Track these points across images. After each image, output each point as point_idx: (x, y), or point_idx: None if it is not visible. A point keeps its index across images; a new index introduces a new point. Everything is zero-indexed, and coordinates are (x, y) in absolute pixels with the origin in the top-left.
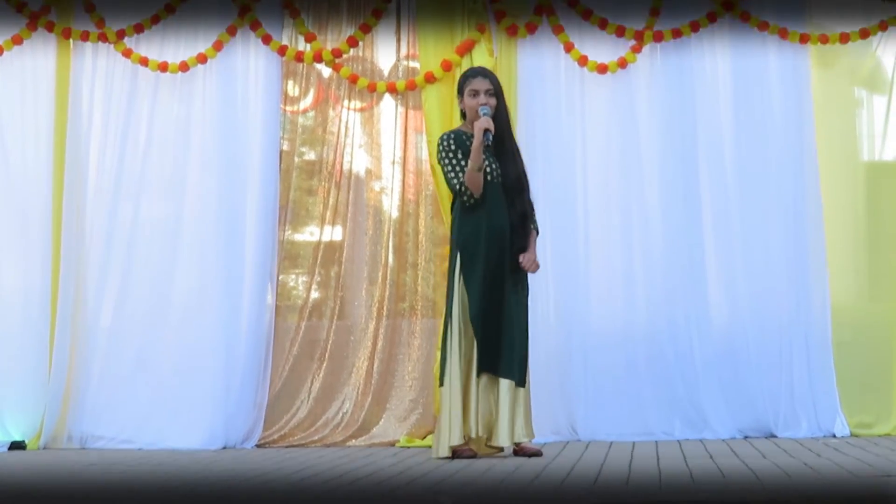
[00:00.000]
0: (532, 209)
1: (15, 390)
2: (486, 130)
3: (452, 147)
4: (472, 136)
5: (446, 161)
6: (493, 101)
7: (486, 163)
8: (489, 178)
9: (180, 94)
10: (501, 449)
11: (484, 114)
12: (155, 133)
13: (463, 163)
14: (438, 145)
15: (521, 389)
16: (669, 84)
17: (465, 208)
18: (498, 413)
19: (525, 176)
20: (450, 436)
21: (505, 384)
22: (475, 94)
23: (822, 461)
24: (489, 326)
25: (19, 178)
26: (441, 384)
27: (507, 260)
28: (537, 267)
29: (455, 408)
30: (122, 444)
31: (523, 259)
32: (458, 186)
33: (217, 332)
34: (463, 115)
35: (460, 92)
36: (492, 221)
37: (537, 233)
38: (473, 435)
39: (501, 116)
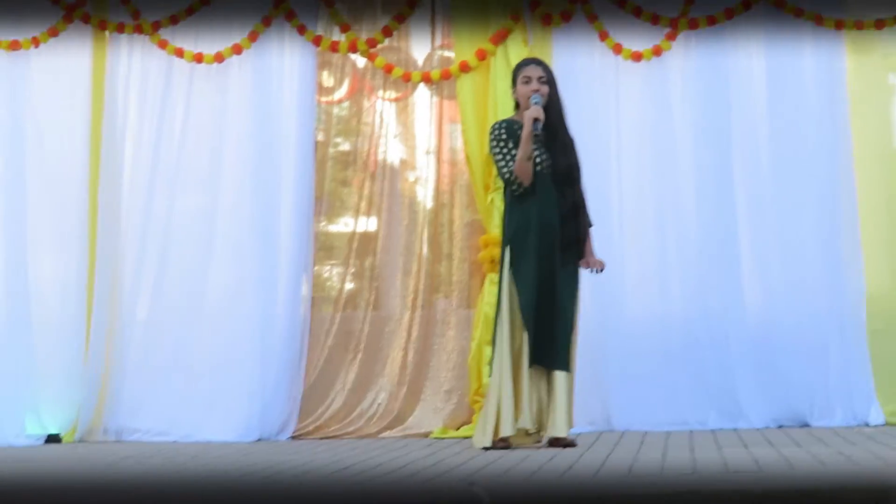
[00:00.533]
0: (583, 201)
1: (51, 384)
2: (536, 120)
3: (504, 136)
4: (523, 125)
5: (497, 150)
6: (545, 89)
7: (537, 153)
8: (539, 168)
9: (215, 85)
10: (539, 440)
11: (535, 102)
12: (190, 124)
13: (514, 151)
14: (490, 134)
15: (569, 377)
16: (704, 72)
17: (515, 199)
18: (554, 404)
19: (577, 167)
20: (499, 427)
21: (559, 376)
22: (528, 80)
23: (857, 450)
24: (541, 318)
25: (55, 171)
26: (490, 374)
27: (558, 251)
28: (602, 265)
29: (506, 400)
30: (158, 437)
31: (589, 263)
32: (507, 175)
33: (252, 324)
34: (517, 105)
35: (514, 81)
36: (542, 213)
37: (591, 225)
38: (530, 426)
39: (554, 106)
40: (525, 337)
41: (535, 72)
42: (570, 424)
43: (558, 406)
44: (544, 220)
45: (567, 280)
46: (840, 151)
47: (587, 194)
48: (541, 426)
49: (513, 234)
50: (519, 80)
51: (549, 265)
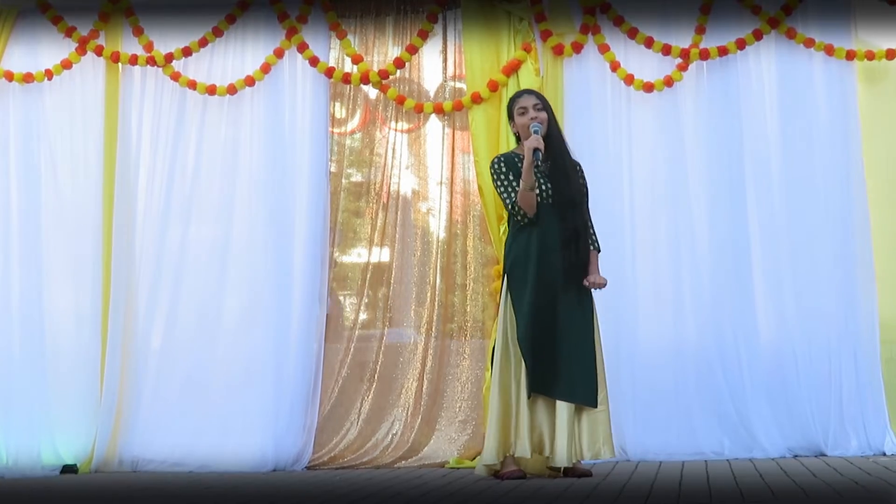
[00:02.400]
0: (585, 226)
1: (66, 414)
2: (536, 150)
3: (503, 169)
4: (524, 156)
5: (498, 183)
6: (542, 115)
7: (539, 182)
8: (540, 198)
9: (228, 116)
10: (559, 470)
11: (535, 131)
12: (203, 155)
13: (515, 183)
14: (490, 169)
15: (592, 409)
16: (716, 101)
17: (517, 229)
18: (556, 434)
19: (581, 193)
20: (484, 455)
21: (563, 406)
22: (524, 111)
23: (873, 480)
24: (540, 347)
25: (69, 201)
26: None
27: (560, 277)
28: (603, 282)
29: (492, 427)
30: (173, 468)
31: (589, 281)
32: (511, 206)
33: (266, 355)
34: (517, 138)
35: (510, 116)
36: (542, 242)
37: (598, 250)
38: (527, 455)
39: (553, 133)
40: (523, 366)
41: (529, 101)
42: (610, 452)
43: (558, 435)
44: (545, 247)
45: (574, 307)
46: (852, 179)
47: (595, 218)
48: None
49: (511, 264)
50: (515, 112)
51: (550, 293)
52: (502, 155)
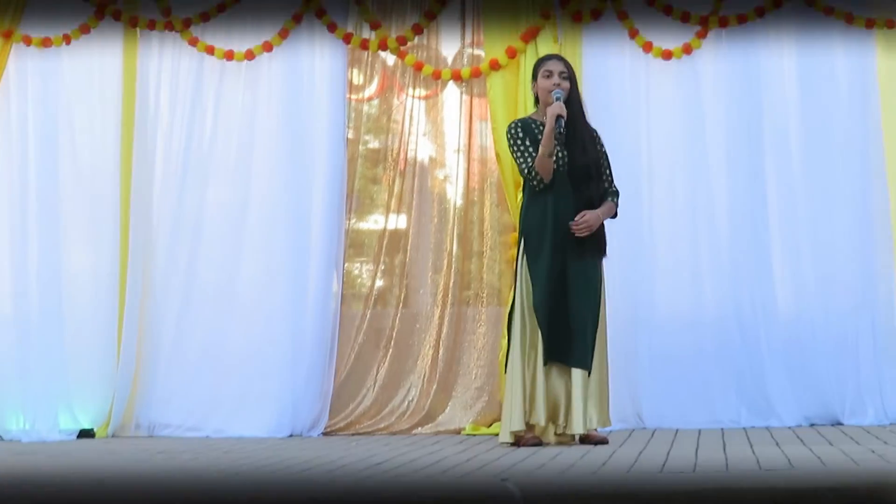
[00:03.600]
0: (600, 197)
1: (84, 378)
2: (559, 117)
3: (520, 135)
4: (542, 123)
5: (514, 148)
6: (565, 84)
7: (557, 150)
8: (556, 166)
9: (246, 82)
10: (572, 437)
11: (557, 98)
12: (220, 121)
13: (531, 149)
14: (507, 133)
15: (592, 377)
16: (735, 70)
17: (532, 196)
18: (572, 402)
19: (599, 163)
20: (510, 422)
21: (578, 373)
22: (549, 74)
23: (890, 448)
24: (556, 315)
25: (87, 167)
26: (505, 371)
27: (572, 248)
28: (587, 229)
29: (516, 395)
30: (190, 432)
31: (579, 218)
32: (526, 171)
33: (283, 321)
34: (536, 99)
35: (534, 75)
36: (557, 210)
37: (616, 207)
38: (541, 423)
39: (574, 103)
40: (539, 333)
41: (556, 66)
42: (605, 422)
43: (574, 403)
44: (559, 217)
45: (582, 276)
46: (871, 149)
47: (617, 186)
48: (565, 422)
49: (528, 230)
50: (540, 74)
51: (562, 261)
52: (519, 120)
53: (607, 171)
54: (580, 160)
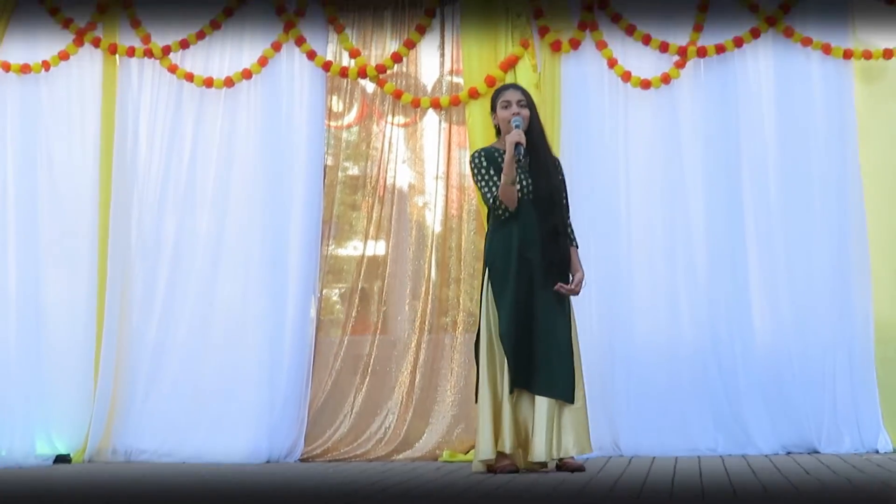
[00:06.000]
0: (564, 224)
1: (61, 404)
2: (518, 144)
3: (484, 163)
4: (504, 151)
5: (478, 177)
6: (525, 112)
7: (520, 177)
8: (520, 194)
9: (225, 109)
10: (545, 465)
11: (516, 125)
12: (199, 148)
13: (496, 178)
14: (470, 163)
15: (570, 405)
16: (713, 99)
17: (497, 224)
18: (534, 429)
19: (560, 190)
20: (480, 451)
21: (542, 401)
22: (507, 105)
23: (865, 477)
24: (521, 342)
25: (66, 193)
26: (476, 401)
27: (539, 275)
28: (576, 290)
29: (485, 423)
30: (166, 458)
31: (568, 285)
32: (492, 200)
33: (260, 347)
34: (497, 130)
35: (493, 107)
36: (522, 237)
37: (576, 247)
38: (507, 450)
39: (535, 129)
40: (506, 361)
41: (514, 96)
42: (586, 448)
43: (537, 430)
44: (524, 243)
45: (550, 303)
46: (849, 179)
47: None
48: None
49: (493, 258)
50: (499, 105)
51: (528, 289)
52: (482, 149)
53: (566, 201)
54: (544, 187)
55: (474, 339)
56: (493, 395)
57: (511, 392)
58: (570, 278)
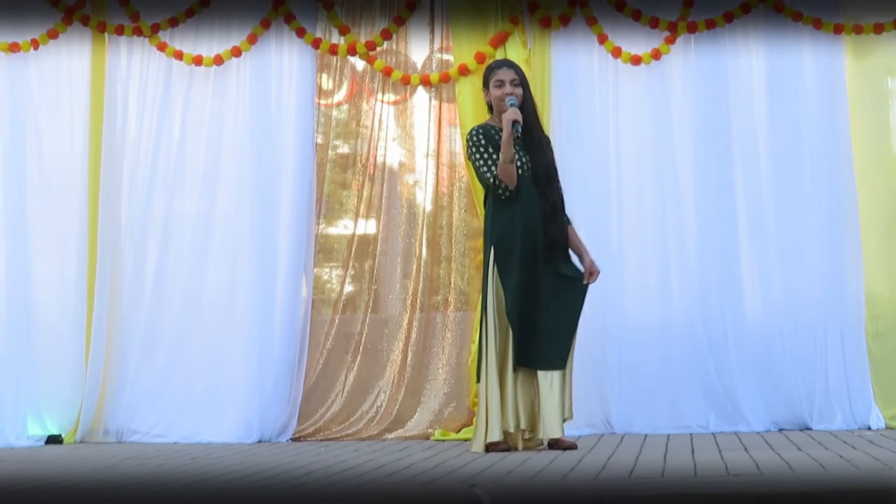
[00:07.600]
0: (562, 200)
1: (52, 384)
2: (515, 122)
3: (482, 141)
4: (500, 129)
5: (477, 156)
6: (518, 91)
7: (518, 155)
8: (520, 171)
9: (214, 87)
10: (540, 442)
11: (511, 104)
12: (189, 126)
13: (494, 156)
14: (467, 141)
15: (560, 373)
16: (703, 75)
17: (498, 203)
18: (540, 407)
19: (555, 166)
20: (487, 432)
21: (543, 377)
22: (500, 84)
23: (858, 453)
24: (525, 320)
25: (55, 172)
26: (478, 380)
27: (541, 252)
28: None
29: (493, 404)
30: (158, 438)
31: (592, 274)
32: (491, 180)
33: (251, 326)
34: (490, 107)
35: (486, 84)
36: (525, 215)
37: (568, 223)
38: (512, 429)
39: (528, 107)
40: (510, 339)
41: (507, 75)
42: (568, 415)
43: (547, 407)
44: (528, 221)
45: (555, 279)
46: (840, 155)
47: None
48: (533, 428)
49: (498, 237)
50: (491, 83)
51: (532, 266)
52: (479, 126)
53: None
54: (541, 163)
55: (470, 317)
56: (500, 374)
57: (514, 370)
58: (571, 258)
